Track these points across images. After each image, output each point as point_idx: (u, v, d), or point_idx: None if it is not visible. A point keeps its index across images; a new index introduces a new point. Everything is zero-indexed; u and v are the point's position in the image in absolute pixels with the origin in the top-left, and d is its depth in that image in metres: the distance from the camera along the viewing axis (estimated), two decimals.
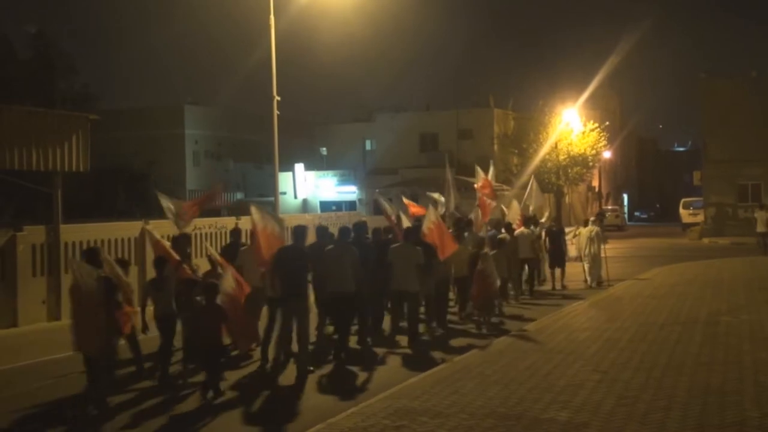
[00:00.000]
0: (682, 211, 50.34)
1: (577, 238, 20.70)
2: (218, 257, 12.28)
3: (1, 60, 40.79)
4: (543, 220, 20.96)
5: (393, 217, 15.90)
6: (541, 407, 8.24)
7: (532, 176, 23.60)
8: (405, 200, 19.98)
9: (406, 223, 14.95)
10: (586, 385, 9.09)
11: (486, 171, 19.57)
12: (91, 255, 9.94)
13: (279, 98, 23.29)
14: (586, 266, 20.13)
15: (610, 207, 59.21)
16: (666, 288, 18.77)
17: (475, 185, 19.28)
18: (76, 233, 17.19)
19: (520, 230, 18.45)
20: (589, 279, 20.00)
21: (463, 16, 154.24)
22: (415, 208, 18.70)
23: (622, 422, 7.60)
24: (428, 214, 14.05)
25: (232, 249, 13.11)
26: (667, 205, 68.92)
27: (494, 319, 14.53)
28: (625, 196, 75.38)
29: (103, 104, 43.87)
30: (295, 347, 11.09)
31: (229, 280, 10.64)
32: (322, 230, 12.73)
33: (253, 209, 11.42)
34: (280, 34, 23.45)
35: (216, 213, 39.90)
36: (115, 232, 18.09)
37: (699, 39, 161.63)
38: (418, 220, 15.35)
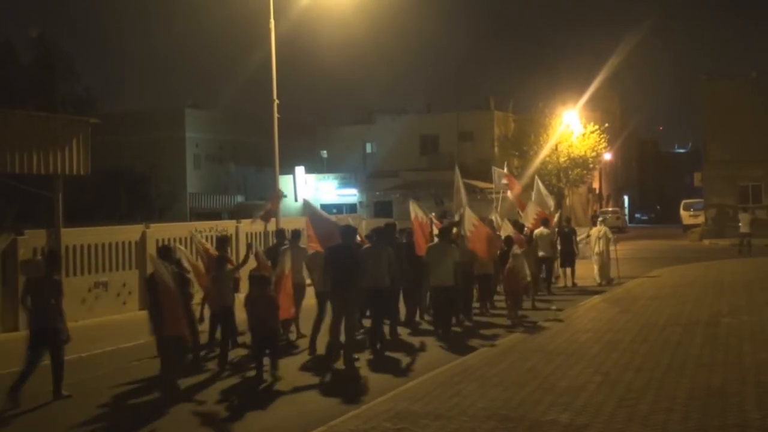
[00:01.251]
0: (682, 212, 50.35)
1: (589, 239, 21.64)
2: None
3: (3, 63, 40.82)
4: (556, 220, 21.86)
5: (426, 221, 16.27)
6: (543, 409, 8.24)
7: (536, 177, 24.07)
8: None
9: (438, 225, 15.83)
10: (587, 387, 9.09)
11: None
12: (165, 252, 11.14)
13: (279, 101, 23.30)
14: (596, 266, 20.83)
15: (610, 209, 59.18)
16: (667, 289, 18.77)
17: (504, 185, 21.71)
18: (77, 237, 17.22)
19: (539, 230, 19.21)
20: (598, 278, 20.55)
21: (463, 17, 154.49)
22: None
23: (623, 424, 7.60)
24: (467, 217, 15.31)
25: (276, 249, 13.99)
26: (667, 207, 68.82)
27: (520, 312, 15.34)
28: (626, 198, 75.36)
29: (104, 107, 43.96)
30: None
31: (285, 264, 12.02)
32: (348, 230, 13.50)
33: (305, 203, 14.41)
34: (280, 36, 23.46)
35: (216, 216, 40.05)
36: (116, 236, 18.13)
37: (699, 40, 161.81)
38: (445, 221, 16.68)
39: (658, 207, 77.77)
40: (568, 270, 20.41)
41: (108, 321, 16.88)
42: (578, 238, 21.29)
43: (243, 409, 9.40)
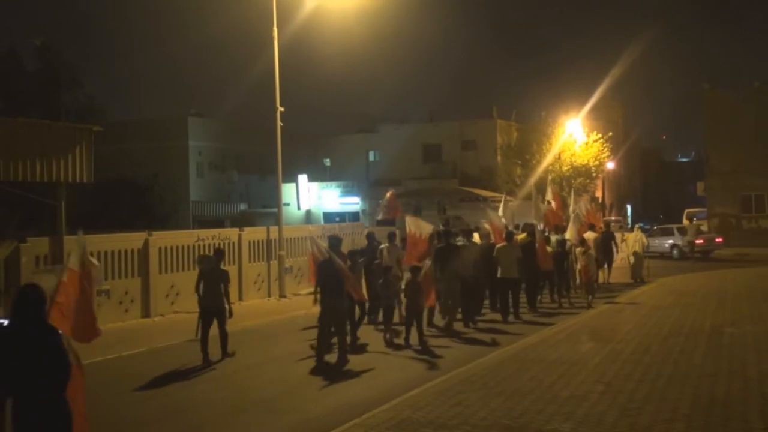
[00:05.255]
0: (685, 221, 50.27)
1: (624, 243, 25.36)
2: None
3: (7, 72, 40.95)
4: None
5: (498, 224, 19.65)
6: (545, 419, 8.21)
7: (573, 192, 26.39)
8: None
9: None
10: (589, 397, 9.06)
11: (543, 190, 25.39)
12: (336, 242, 13.99)
13: (282, 109, 23.35)
14: (631, 266, 24.36)
15: (613, 218, 59.09)
16: (670, 299, 18.75)
17: (549, 203, 24.75)
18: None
19: (587, 233, 22.20)
20: (632, 276, 23.93)
21: (467, 27, 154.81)
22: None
23: None
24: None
25: (370, 249, 16.71)
26: (670, 216, 68.71)
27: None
28: (629, 207, 75.25)
29: (107, 116, 43.98)
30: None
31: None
32: (448, 233, 16.46)
33: (408, 218, 17.61)
34: (283, 45, 23.53)
35: (219, 224, 40.06)
36: (117, 244, 18.11)
37: (702, 49, 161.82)
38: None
39: (661, 216, 77.55)
40: (605, 269, 22.92)
41: (109, 329, 16.86)
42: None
43: (243, 416, 9.39)
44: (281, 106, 23.27)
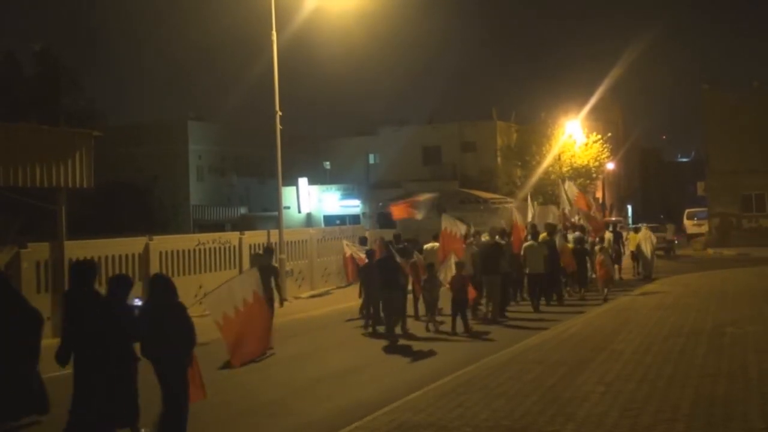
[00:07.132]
0: (686, 221, 50.29)
1: (629, 241, 27.12)
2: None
3: (8, 77, 41.01)
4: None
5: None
6: (546, 420, 8.22)
7: (596, 198, 27.63)
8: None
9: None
10: (590, 398, 9.07)
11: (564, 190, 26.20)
12: (384, 244, 16.86)
13: (282, 113, 23.37)
14: (640, 263, 25.84)
15: (613, 218, 59.09)
16: (670, 299, 18.75)
17: (571, 203, 25.85)
18: (80, 250, 17.21)
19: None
20: (641, 272, 25.50)
21: (466, 30, 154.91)
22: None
23: None
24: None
25: (402, 250, 17.85)
26: (671, 216, 68.79)
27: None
28: (629, 207, 75.26)
29: (107, 120, 44.05)
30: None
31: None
32: (493, 231, 18.85)
33: (444, 217, 18.67)
34: (282, 47, 23.56)
35: (220, 228, 40.11)
36: (118, 248, 18.13)
37: (701, 49, 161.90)
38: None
39: (662, 216, 77.59)
40: (616, 267, 24.03)
41: None
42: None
43: (248, 419, 9.41)
44: (280, 109, 23.29)
